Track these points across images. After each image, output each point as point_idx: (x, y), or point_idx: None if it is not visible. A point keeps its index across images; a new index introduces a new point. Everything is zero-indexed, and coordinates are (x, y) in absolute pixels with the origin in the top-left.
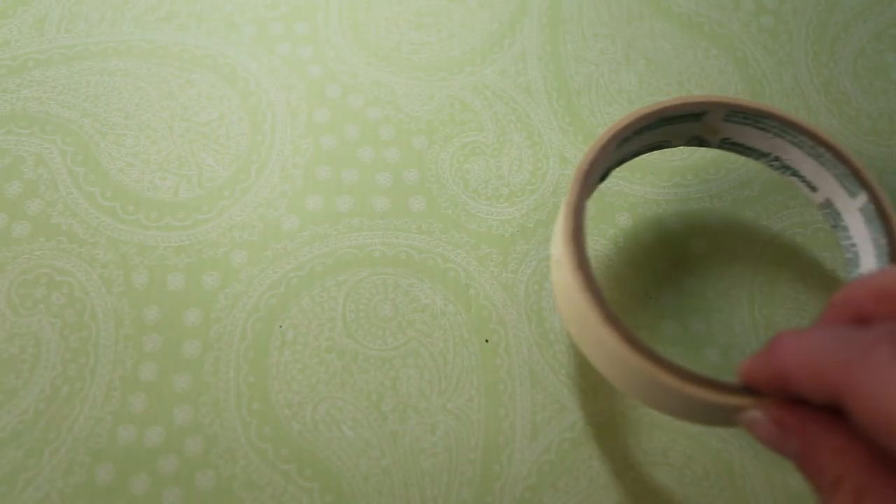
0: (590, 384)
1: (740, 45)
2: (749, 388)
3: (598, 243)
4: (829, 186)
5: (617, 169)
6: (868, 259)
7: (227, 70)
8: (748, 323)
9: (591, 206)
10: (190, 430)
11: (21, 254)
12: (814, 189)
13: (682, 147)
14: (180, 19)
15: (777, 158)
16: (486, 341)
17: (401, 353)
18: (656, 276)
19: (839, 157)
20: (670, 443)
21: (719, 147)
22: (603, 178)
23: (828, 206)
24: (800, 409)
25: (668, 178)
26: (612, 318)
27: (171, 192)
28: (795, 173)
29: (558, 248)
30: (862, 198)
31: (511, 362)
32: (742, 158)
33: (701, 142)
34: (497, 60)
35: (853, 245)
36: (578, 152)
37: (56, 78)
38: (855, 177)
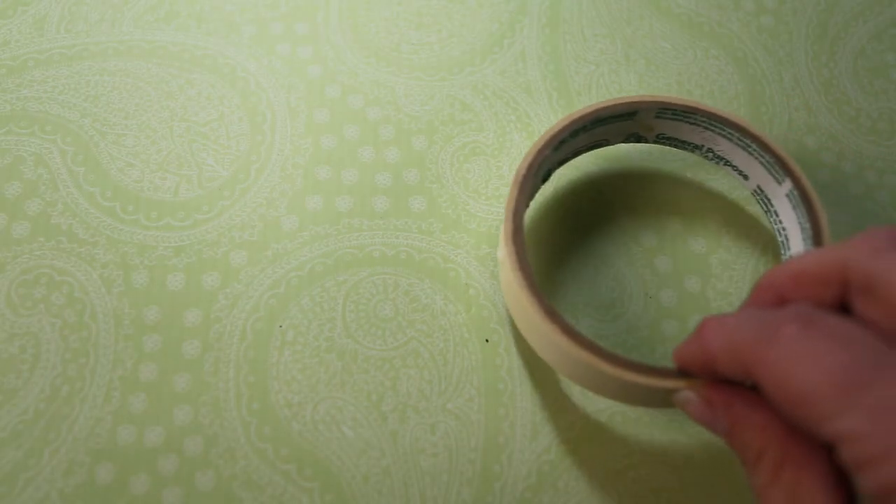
0: None
1: (740, 45)
2: (683, 372)
3: (599, 243)
4: (759, 174)
5: (617, 170)
6: (796, 241)
7: (226, 70)
8: None
9: (592, 206)
10: (190, 430)
11: (21, 254)
12: (745, 177)
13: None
14: (180, 19)
15: (710, 150)
16: (487, 341)
17: (401, 353)
18: (656, 275)
19: (764, 146)
20: (670, 443)
21: (655, 142)
22: (545, 178)
23: (759, 192)
24: (727, 389)
25: (668, 175)
26: (551, 312)
27: (171, 192)
28: (728, 163)
29: (501, 249)
30: (787, 184)
31: (511, 362)
32: None
33: (638, 138)
34: (497, 60)
35: (784, 229)
36: None
37: (56, 78)
38: (780, 165)
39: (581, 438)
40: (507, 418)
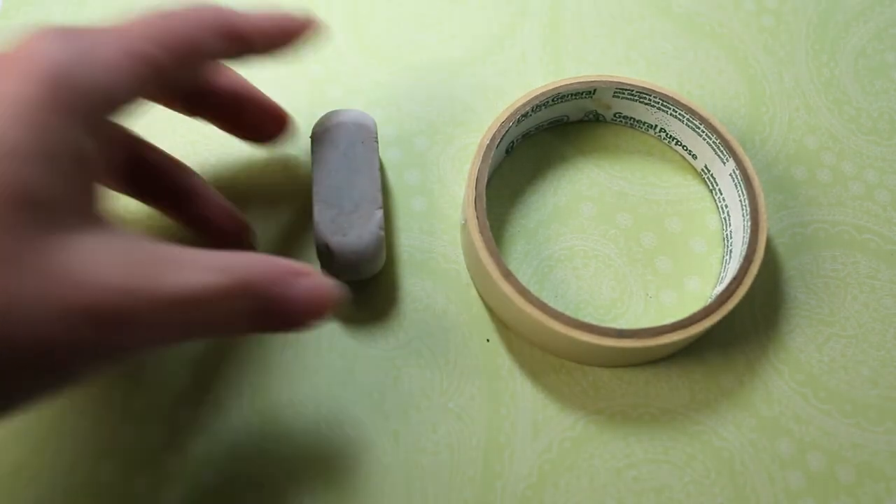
0: (591, 383)
1: (741, 45)
2: (625, 332)
3: (600, 243)
4: (706, 154)
5: (617, 168)
6: (737, 218)
7: None
8: (748, 322)
9: (593, 206)
10: (193, 429)
11: None
12: (694, 157)
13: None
14: None
15: (663, 130)
16: (488, 341)
17: (402, 353)
18: (656, 275)
19: (711, 128)
20: (671, 441)
21: (613, 121)
22: (509, 151)
23: (707, 171)
24: None
25: (669, 178)
26: (507, 273)
27: None
28: (679, 143)
29: (463, 214)
30: (731, 164)
31: (512, 362)
32: None
33: (596, 116)
34: (498, 61)
35: (726, 206)
36: (579, 153)
37: None
38: (724, 146)
39: (582, 438)
40: (509, 417)
